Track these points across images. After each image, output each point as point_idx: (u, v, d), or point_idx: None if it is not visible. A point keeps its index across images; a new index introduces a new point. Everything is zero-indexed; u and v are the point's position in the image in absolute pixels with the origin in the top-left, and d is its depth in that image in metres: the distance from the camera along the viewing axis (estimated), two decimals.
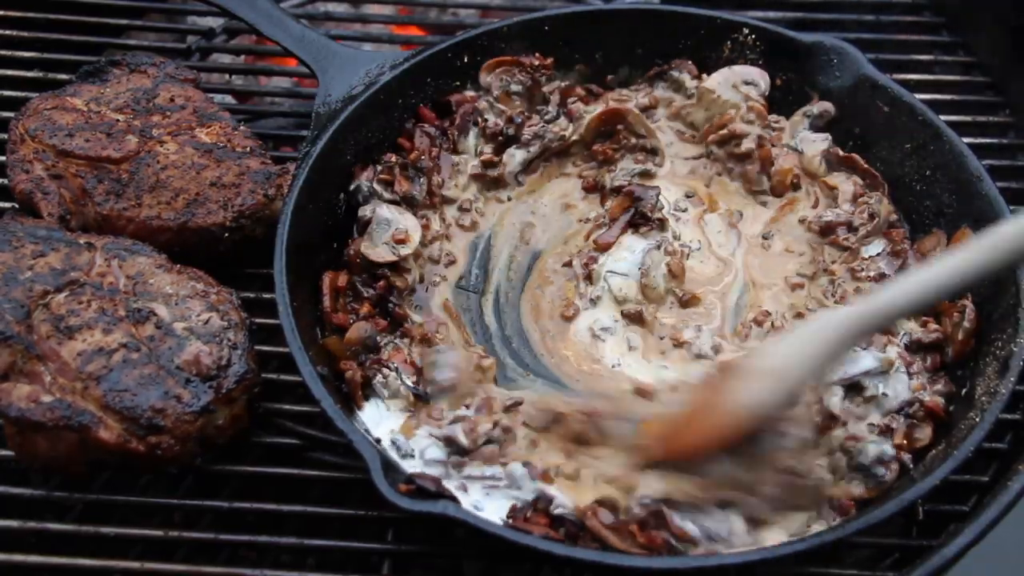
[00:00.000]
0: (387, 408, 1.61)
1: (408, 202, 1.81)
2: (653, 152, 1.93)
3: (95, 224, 1.77)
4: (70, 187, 1.77)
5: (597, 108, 1.93)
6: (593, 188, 1.91)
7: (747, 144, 1.89)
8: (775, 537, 1.46)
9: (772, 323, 1.73)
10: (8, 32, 2.24)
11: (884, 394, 1.59)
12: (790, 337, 1.49)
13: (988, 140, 2.13)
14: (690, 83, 1.98)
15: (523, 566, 1.70)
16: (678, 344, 1.71)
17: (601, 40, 2.02)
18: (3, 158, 1.87)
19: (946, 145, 1.79)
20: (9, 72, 2.16)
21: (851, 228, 1.80)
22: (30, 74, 2.17)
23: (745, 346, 1.70)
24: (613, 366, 1.69)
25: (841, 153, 1.89)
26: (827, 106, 1.92)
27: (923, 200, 1.83)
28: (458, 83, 1.97)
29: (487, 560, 1.71)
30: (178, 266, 1.70)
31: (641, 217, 1.79)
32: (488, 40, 1.98)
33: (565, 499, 1.48)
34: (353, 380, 1.61)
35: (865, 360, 1.60)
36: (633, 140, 1.92)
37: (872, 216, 1.79)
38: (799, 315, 1.74)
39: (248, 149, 1.85)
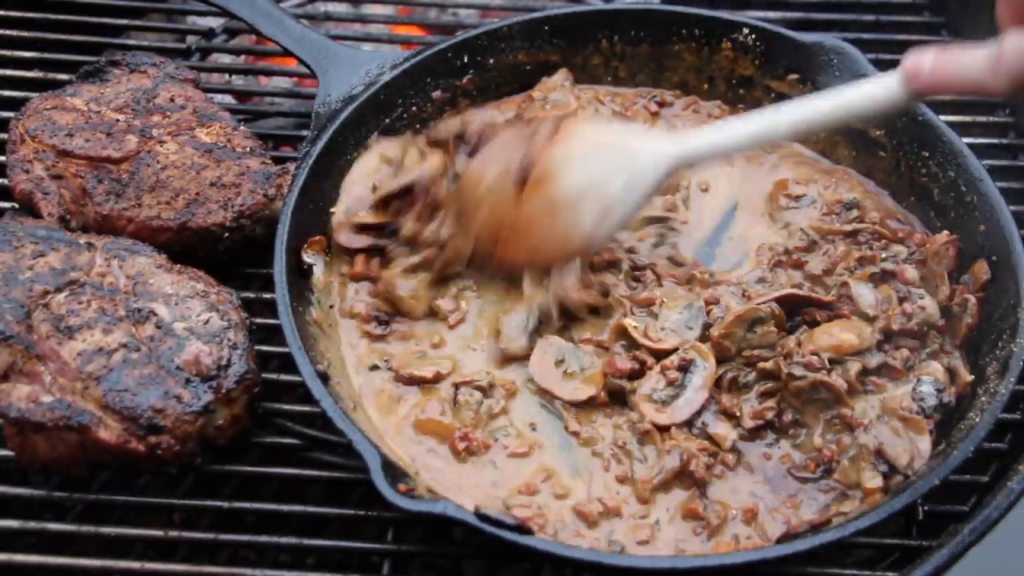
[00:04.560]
0: None
1: None
2: None
3: (95, 224, 1.77)
4: (70, 187, 1.77)
5: None
6: None
7: None
8: None
9: None
10: (8, 32, 2.24)
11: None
12: (624, 171, 1.62)
13: (988, 140, 2.13)
14: None
15: (523, 566, 1.70)
16: None
17: (601, 40, 2.02)
18: (3, 158, 1.87)
19: (946, 145, 1.79)
20: (9, 72, 2.16)
21: None
22: (30, 74, 2.17)
23: None
24: None
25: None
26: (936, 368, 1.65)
27: (923, 200, 1.83)
28: (456, 80, 1.98)
29: (487, 560, 1.71)
30: (178, 266, 1.70)
31: None
32: (488, 40, 1.98)
33: None
34: None
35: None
36: None
37: None
38: None
39: (248, 149, 1.86)
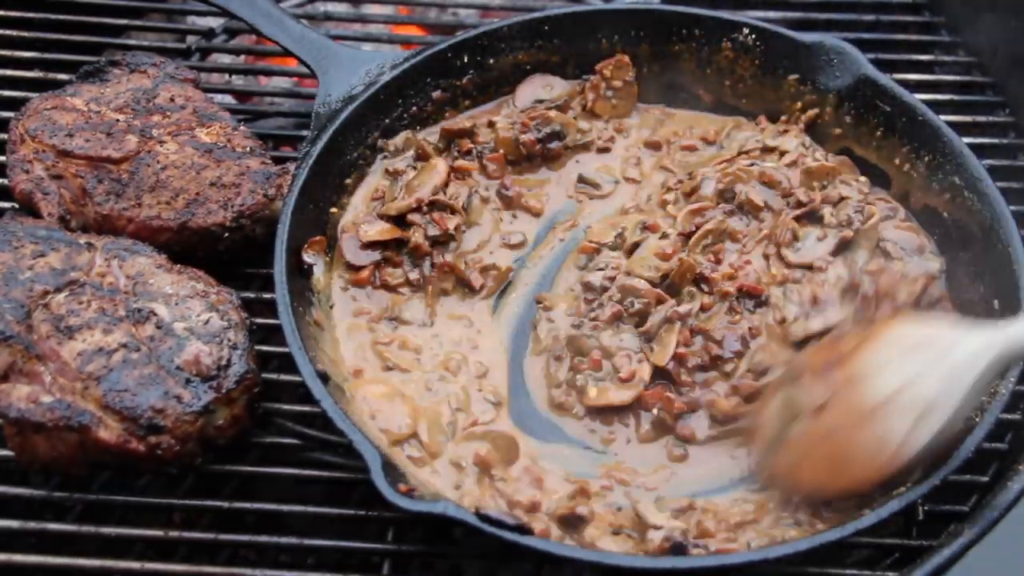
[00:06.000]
0: None
1: None
2: None
3: (95, 224, 1.77)
4: (70, 187, 1.77)
5: None
6: None
7: None
8: None
9: None
10: (8, 32, 2.24)
11: None
12: (941, 368, 1.41)
13: (988, 140, 2.13)
14: None
15: (523, 566, 1.70)
16: None
17: (601, 40, 2.02)
18: (3, 158, 1.87)
19: (946, 145, 1.79)
20: (9, 72, 2.16)
21: None
22: (30, 74, 2.17)
23: None
24: None
25: None
26: None
27: (921, 201, 1.83)
28: (456, 80, 1.98)
29: (487, 560, 1.71)
30: (178, 266, 1.70)
31: None
32: (488, 40, 1.98)
33: None
34: None
35: None
36: None
37: None
38: None
39: (248, 149, 1.85)
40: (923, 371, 1.42)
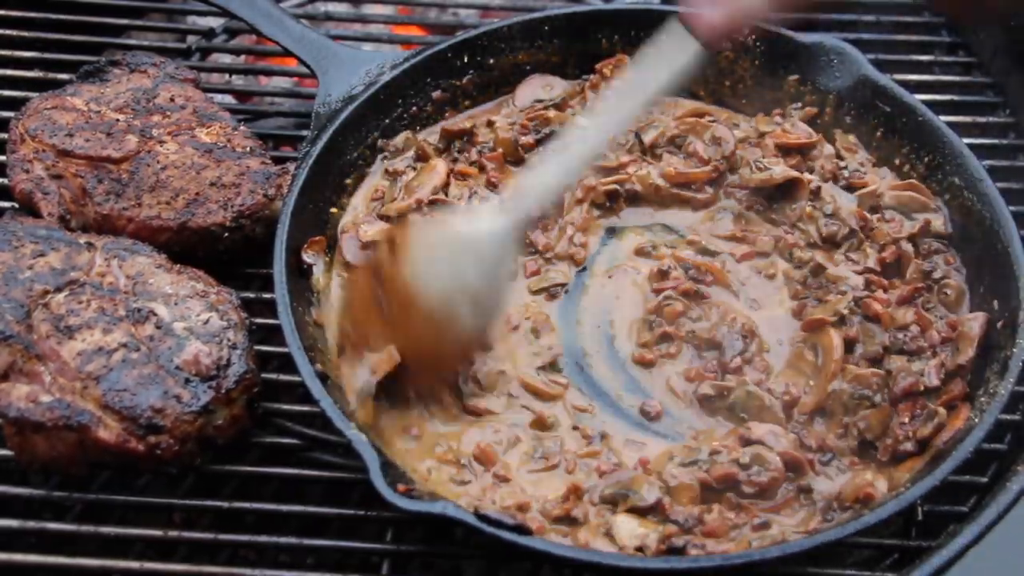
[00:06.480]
0: None
1: None
2: None
3: (95, 224, 1.77)
4: (70, 187, 1.77)
5: None
6: None
7: None
8: None
9: None
10: (8, 32, 2.24)
11: None
12: (473, 259, 1.56)
13: (988, 140, 2.13)
14: None
15: (522, 566, 1.70)
16: None
17: (601, 40, 2.02)
18: (3, 158, 1.87)
19: (946, 146, 1.79)
20: (9, 72, 2.16)
21: None
22: (30, 74, 2.17)
23: None
24: None
25: None
26: None
27: None
28: (456, 80, 1.98)
29: (486, 560, 1.71)
30: (178, 266, 1.70)
31: None
32: (488, 40, 1.98)
33: None
34: None
35: None
36: None
37: None
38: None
39: (248, 149, 1.86)
40: (459, 266, 1.55)
